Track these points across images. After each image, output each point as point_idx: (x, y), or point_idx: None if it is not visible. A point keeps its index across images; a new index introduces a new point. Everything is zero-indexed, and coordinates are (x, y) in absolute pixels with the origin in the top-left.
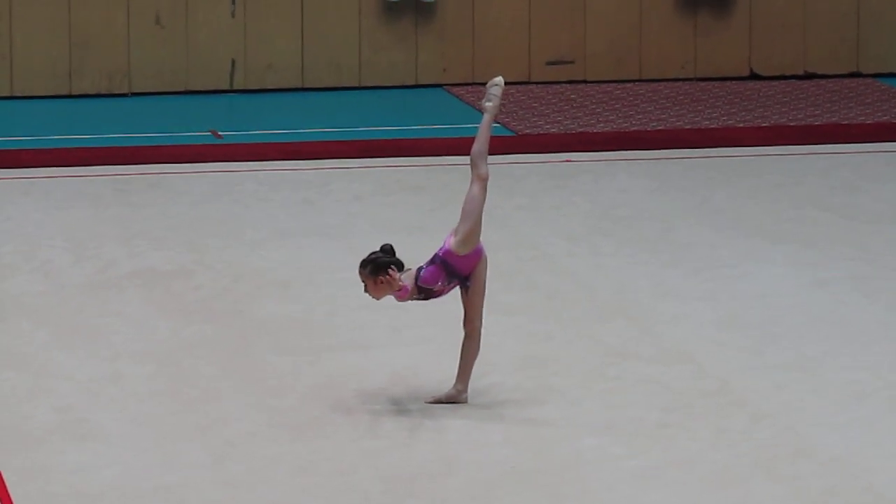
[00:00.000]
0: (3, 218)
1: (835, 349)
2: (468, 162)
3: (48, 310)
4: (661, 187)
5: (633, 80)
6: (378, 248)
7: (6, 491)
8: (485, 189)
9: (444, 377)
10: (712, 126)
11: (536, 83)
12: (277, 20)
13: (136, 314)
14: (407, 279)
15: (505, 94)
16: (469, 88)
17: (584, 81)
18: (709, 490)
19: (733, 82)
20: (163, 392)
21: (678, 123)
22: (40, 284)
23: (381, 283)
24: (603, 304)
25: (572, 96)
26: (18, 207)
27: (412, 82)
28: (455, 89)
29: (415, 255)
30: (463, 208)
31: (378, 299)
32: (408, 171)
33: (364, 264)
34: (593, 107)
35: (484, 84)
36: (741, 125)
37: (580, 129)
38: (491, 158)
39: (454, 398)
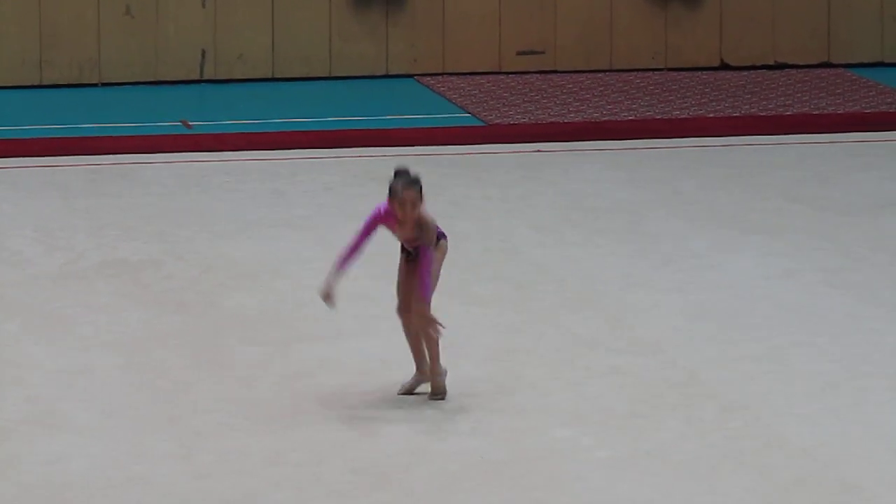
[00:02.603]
0: None
1: (804, 340)
2: (439, 152)
3: (18, 300)
4: (632, 178)
5: (604, 71)
6: (393, 174)
7: None
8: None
9: (412, 370)
10: (682, 116)
11: (507, 73)
12: (248, 10)
13: (106, 305)
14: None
15: (475, 84)
16: (440, 79)
17: (555, 72)
18: (679, 480)
19: (703, 73)
20: (133, 383)
21: (648, 113)
22: (10, 274)
23: (422, 201)
24: (572, 294)
25: (543, 86)
26: None
27: (382, 73)
28: (425, 79)
29: (387, 248)
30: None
31: (409, 220)
32: (378, 161)
33: (413, 181)
34: (564, 97)
35: (455, 74)
36: (711, 115)
37: (550, 120)
38: (461, 148)
39: (439, 386)
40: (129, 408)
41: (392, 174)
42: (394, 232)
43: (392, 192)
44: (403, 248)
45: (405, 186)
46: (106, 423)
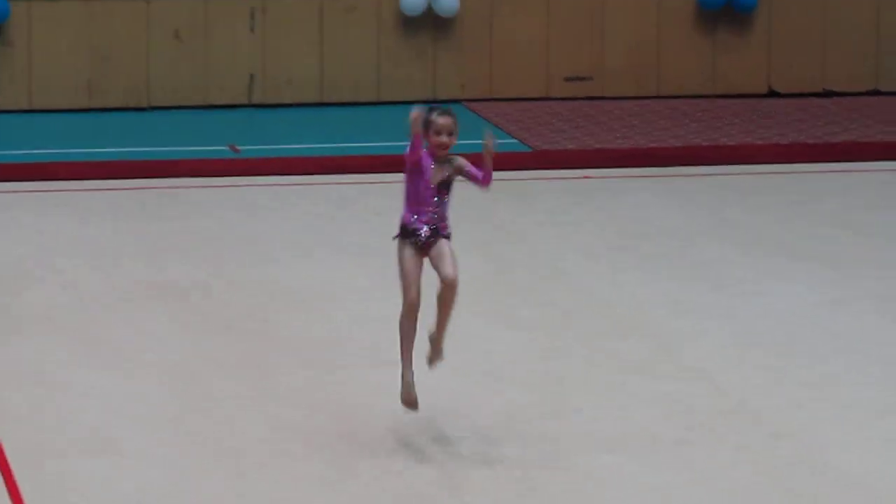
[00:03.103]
0: (24, 230)
1: (854, 368)
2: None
3: (69, 324)
4: (680, 204)
5: (651, 97)
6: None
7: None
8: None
9: (452, 395)
10: (730, 143)
11: (554, 99)
12: (296, 35)
13: (156, 329)
14: None
15: (523, 110)
16: (487, 104)
17: (602, 98)
18: None
19: (751, 99)
20: (183, 407)
21: (696, 140)
22: (60, 297)
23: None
24: (620, 320)
25: (590, 112)
26: (39, 220)
27: (430, 97)
28: (473, 105)
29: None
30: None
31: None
32: None
33: (446, 111)
34: (611, 123)
35: (503, 100)
36: (759, 142)
37: (598, 146)
38: (508, 174)
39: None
40: (180, 433)
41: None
42: (425, 176)
43: (429, 123)
44: (411, 241)
45: (441, 114)
46: (156, 447)
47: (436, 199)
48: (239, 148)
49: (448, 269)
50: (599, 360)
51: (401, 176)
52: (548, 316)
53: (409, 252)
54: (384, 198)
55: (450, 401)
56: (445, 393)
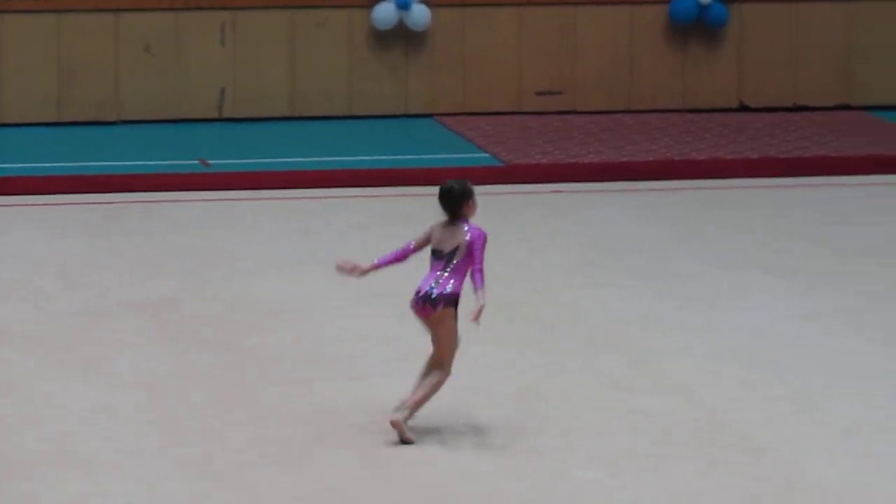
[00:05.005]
0: None
1: (829, 382)
2: None
3: (41, 338)
4: (652, 218)
5: (623, 111)
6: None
7: None
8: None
9: (431, 410)
10: (701, 157)
11: (526, 113)
12: (267, 49)
13: (129, 343)
14: None
15: (495, 124)
16: (459, 118)
17: (574, 112)
18: None
19: (722, 114)
20: (156, 421)
21: (667, 154)
22: (33, 313)
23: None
24: (597, 335)
25: (562, 127)
26: (10, 235)
27: (402, 112)
28: (445, 119)
29: (411, 286)
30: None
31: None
32: (399, 200)
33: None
34: (583, 137)
35: (474, 114)
36: (730, 156)
37: (570, 160)
38: (480, 188)
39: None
40: (152, 446)
41: (450, 190)
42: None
43: (472, 193)
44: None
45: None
46: (128, 461)
47: None
48: (209, 162)
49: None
50: (576, 376)
51: (369, 189)
52: (524, 331)
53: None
54: (356, 212)
55: (428, 416)
56: (424, 408)
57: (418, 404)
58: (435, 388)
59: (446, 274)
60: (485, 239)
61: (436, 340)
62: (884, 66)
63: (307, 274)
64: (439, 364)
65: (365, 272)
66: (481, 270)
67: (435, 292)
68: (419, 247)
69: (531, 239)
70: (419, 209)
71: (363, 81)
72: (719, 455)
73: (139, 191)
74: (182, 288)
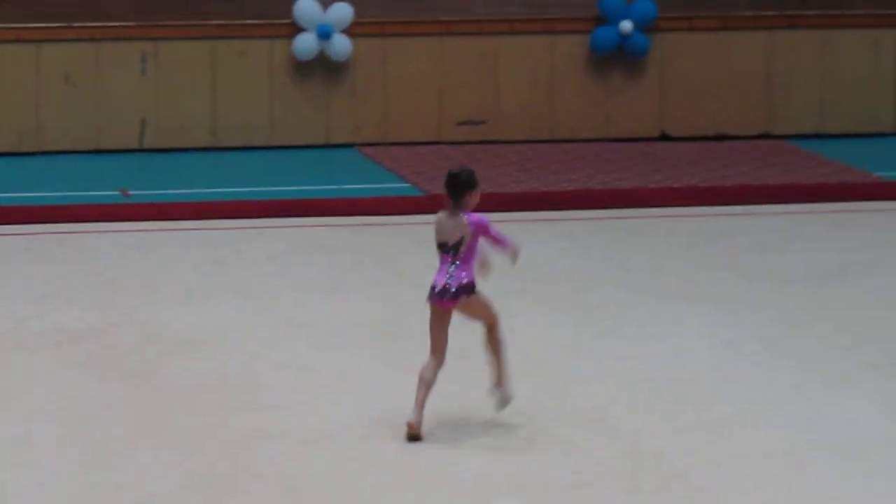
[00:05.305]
0: None
1: (747, 410)
2: (380, 222)
3: None
4: (574, 248)
5: (545, 141)
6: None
7: None
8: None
9: (355, 439)
10: (623, 186)
11: (448, 143)
12: (188, 79)
13: (46, 374)
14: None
15: (416, 154)
16: (381, 148)
17: (496, 142)
18: None
19: (644, 143)
20: (73, 453)
21: (589, 183)
22: None
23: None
24: (515, 363)
25: (484, 157)
26: None
27: (324, 142)
28: (366, 149)
29: (330, 315)
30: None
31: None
32: (320, 230)
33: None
34: (505, 167)
35: (396, 144)
36: (652, 186)
37: (491, 189)
38: (401, 218)
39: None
40: (69, 478)
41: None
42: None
43: (477, 184)
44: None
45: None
46: (46, 494)
47: None
48: (130, 193)
49: None
50: (494, 404)
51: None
52: None
53: None
54: (273, 242)
55: (345, 444)
56: (343, 437)
57: (501, 365)
58: (500, 343)
59: (456, 266)
60: (488, 220)
61: (474, 316)
62: (804, 95)
63: (223, 304)
64: (490, 325)
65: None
66: (499, 235)
67: (453, 287)
68: None
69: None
70: (338, 239)
71: (285, 111)
72: (637, 483)
73: (57, 222)
74: (100, 318)
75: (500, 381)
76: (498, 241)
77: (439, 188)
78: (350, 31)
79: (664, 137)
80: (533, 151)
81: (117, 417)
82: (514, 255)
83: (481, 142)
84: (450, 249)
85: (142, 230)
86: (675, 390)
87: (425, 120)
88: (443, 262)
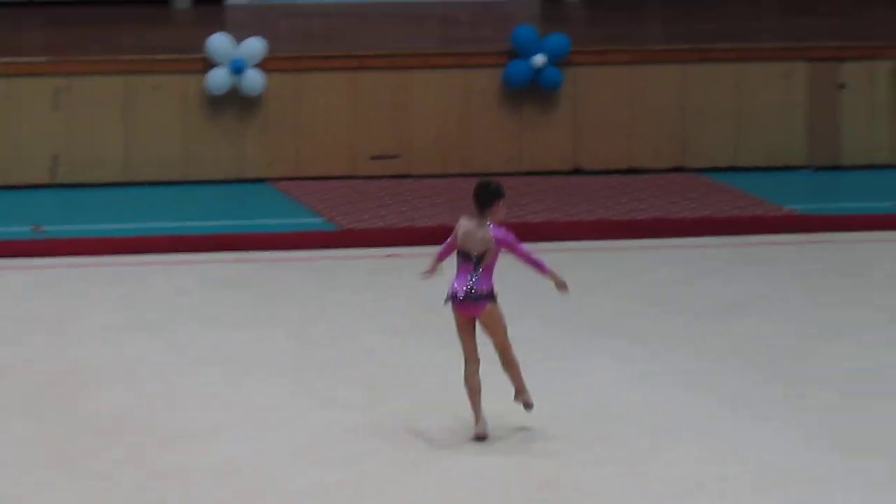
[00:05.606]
0: None
1: (663, 443)
2: (292, 257)
3: None
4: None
5: (458, 175)
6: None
7: None
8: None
9: (267, 474)
10: (537, 220)
11: (361, 177)
12: (101, 114)
13: None
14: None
15: (329, 189)
16: (294, 183)
17: (409, 176)
18: None
19: (557, 177)
20: None
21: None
22: None
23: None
24: (426, 398)
25: (397, 191)
26: None
27: (237, 176)
28: (280, 184)
29: (243, 349)
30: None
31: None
32: (232, 266)
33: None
34: (417, 202)
35: (309, 178)
36: (565, 219)
37: (404, 224)
38: (313, 253)
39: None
40: None
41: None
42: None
43: (504, 195)
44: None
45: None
46: None
47: None
48: (42, 228)
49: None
50: (408, 438)
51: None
52: (354, 394)
53: None
54: (183, 277)
55: (258, 480)
56: (252, 472)
57: (520, 379)
58: (514, 361)
59: (477, 276)
60: (514, 236)
61: (490, 332)
62: (716, 128)
63: (137, 339)
64: (502, 348)
65: (434, 270)
66: (531, 255)
67: (476, 291)
68: (454, 243)
69: (362, 302)
70: (249, 274)
71: (198, 146)
72: None
73: None
74: (10, 355)
75: (521, 389)
76: (532, 262)
77: (352, 223)
78: (263, 65)
79: (577, 171)
80: (446, 185)
81: (32, 455)
82: (563, 288)
83: (395, 176)
84: (472, 259)
85: (53, 266)
86: (591, 424)
87: (339, 154)
88: (463, 269)
